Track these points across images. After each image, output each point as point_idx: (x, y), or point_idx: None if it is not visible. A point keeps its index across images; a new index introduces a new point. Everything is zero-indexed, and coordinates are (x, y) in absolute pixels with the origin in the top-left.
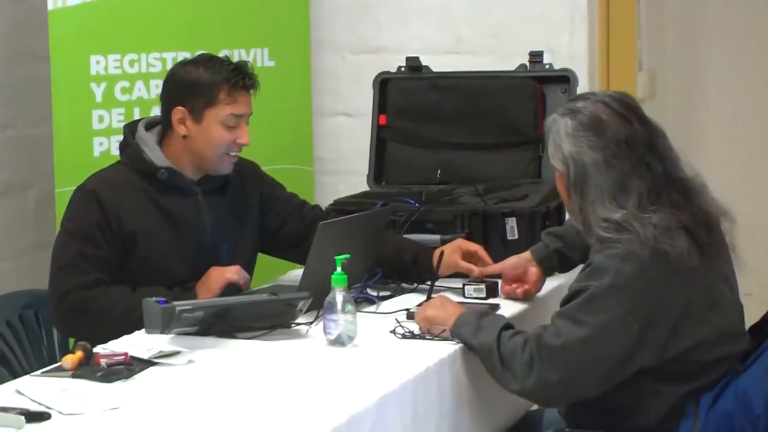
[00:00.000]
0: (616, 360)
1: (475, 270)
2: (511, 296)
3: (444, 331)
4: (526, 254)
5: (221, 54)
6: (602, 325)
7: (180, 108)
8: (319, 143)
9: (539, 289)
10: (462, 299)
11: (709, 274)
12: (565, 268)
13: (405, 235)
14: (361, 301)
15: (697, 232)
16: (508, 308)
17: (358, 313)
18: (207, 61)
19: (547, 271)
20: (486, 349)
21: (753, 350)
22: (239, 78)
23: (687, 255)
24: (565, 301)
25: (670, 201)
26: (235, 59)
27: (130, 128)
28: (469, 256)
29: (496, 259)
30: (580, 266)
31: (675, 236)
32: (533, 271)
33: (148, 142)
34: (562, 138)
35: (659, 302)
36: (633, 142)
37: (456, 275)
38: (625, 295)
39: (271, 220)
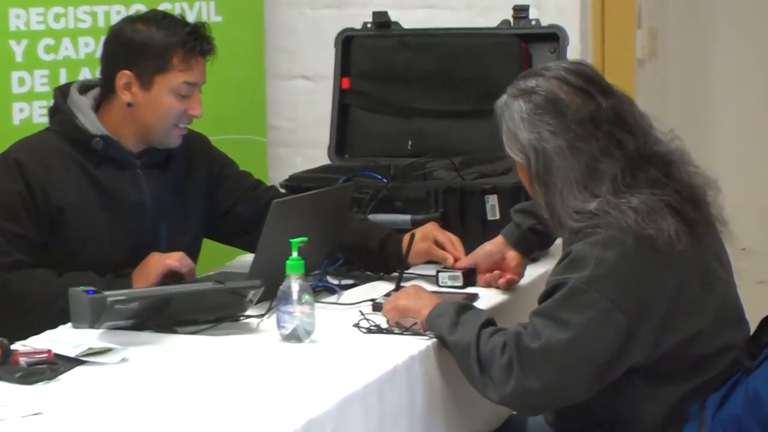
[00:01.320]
0: (604, 360)
1: (450, 258)
2: (491, 286)
3: (416, 324)
4: (498, 239)
5: (161, 8)
6: (586, 322)
7: (126, 72)
8: (273, 110)
9: (522, 275)
10: (436, 288)
11: (701, 253)
12: (545, 245)
13: (371, 215)
14: (320, 290)
15: (683, 210)
16: (488, 298)
17: (317, 304)
18: (160, 20)
19: (526, 252)
20: (463, 348)
21: (764, 345)
22: (196, 42)
23: (675, 237)
24: (543, 297)
25: (648, 179)
26: (177, 13)
27: (62, 91)
28: (441, 247)
29: (475, 242)
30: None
31: (660, 218)
32: (511, 255)
33: (82, 107)
34: (517, 125)
35: (648, 291)
36: (598, 120)
37: (429, 262)
38: (610, 285)
39: (219, 201)
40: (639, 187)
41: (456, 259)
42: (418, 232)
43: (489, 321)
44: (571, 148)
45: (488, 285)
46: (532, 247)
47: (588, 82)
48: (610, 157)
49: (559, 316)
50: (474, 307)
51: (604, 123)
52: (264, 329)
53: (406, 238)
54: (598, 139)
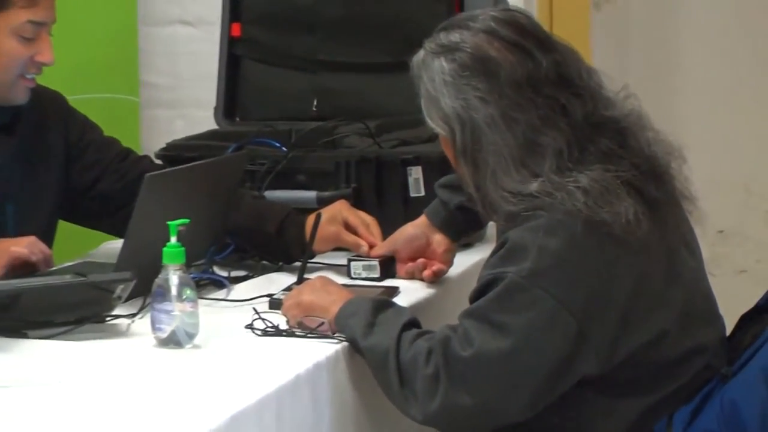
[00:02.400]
0: (550, 370)
1: (364, 244)
2: (414, 278)
3: (322, 324)
4: (422, 220)
5: None
6: (527, 325)
7: None
8: (147, 63)
9: (451, 263)
10: (348, 281)
11: (665, 238)
12: (478, 226)
13: (267, 192)
14: (205, 283)
15: (643, 188)
16: (411, 293)
17: (202, 301)
18: None
19: (455, 236)
20: (380, 355)
21: (744, 347)
22: None
23: (635, 220)
24: (476, 294)
25: (600, 152)
26: None
27: None
28: (353, 231)
29: (396, 224)
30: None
31: (615, 199)
32: (437, 240)
33: None
34: (438, 89)
35: (602, 286)
36: (538, 81)
37: (338, 249)
38: (555, 280)
39: (79, 174)
40: (589, 163)
41: (371, 246)
42: (326, 212)
43: (412, 322)
44: (505, 118)
45: (411, 276)
46: (462, 229)
47: (523, 34)
48: (553, 128)
49: (495, 318)
50: (394, 304)
51: (544, 85)
52: (136, 332)
53: (311, 219)
54: (537, 106)
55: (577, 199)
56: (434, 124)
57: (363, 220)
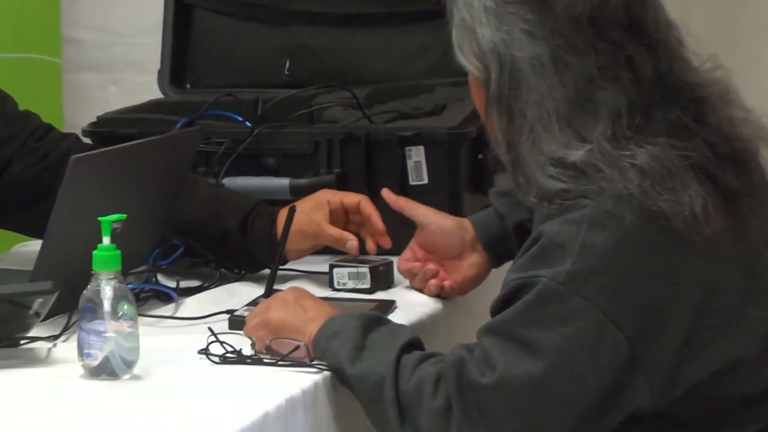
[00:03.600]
0: (591, 403)
1: (351, 239)
2: (413, 282)
3: (297, 348)
4: (466, 225)
5: None
6: (564, 343)
7: None
8: (69, 16)
9: (476, 285)
10: (329, 293)
11: (744, 240)
12: None
13: (227, 180)
14: (147, 296)
15: (718, 174)
16: (412, 308)
17: (143, 320)
18: None
19: (498, 261)
20: (372, 385)
21: None
22: None
23: (702, 214)
24: (500, 304)
25: (669, 123)
26: None
27: None
28: (341, 217)
29: (391, 221)
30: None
31: (679, 184)
32: (474, 260)
33: None
34: (476, 17)
35: (661, 296)
36: (602, 21)
37: (320, 251)
38: (602, 287)
39: None
40: (652, 134)
41: (376, 230)
42: (303, 204)
43: (412, 343)
44: (555, 61)
45: (409, 275)
46: (510, 255)
47: None
48: (614, 83)
49: (524, 334)
50: (388, 321)
51: (610, 28)
52: (58, 359)
53: (283, 214)
54: (598, 52)
55: (629, 179)
56: (465, 61)
57: (360, 195)
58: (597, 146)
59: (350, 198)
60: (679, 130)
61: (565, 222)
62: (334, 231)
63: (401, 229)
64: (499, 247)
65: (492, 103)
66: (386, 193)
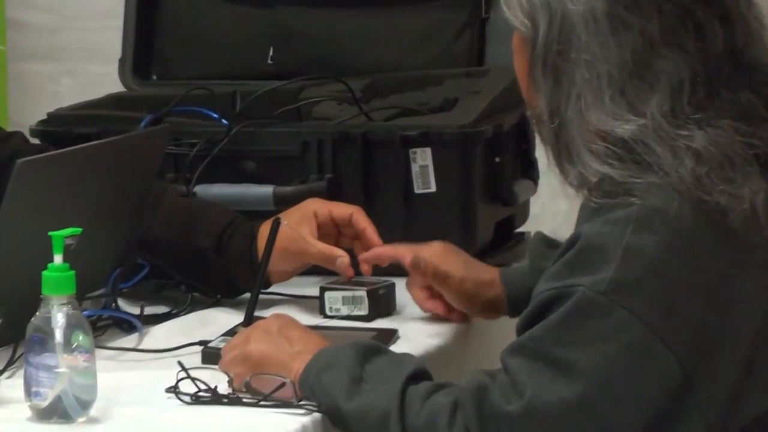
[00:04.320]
0: None
1: (342, 255)
2: (431, 311)
3: (282, 386)
4: (490, 273)
5: None
6: (604, 364)
7: None
8: None
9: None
10: (321, 321)
11: None
12: None
13: (199, 187)
14: (106, 325)
15: None
16: (419, 336)
17: (101, 352)
18: None
19: (515, 313)
20: (376, 421)
21: None
22: None
23: (765, 213)
24: (528, 320)
25: (735, 104)
26: None
27: None
28: (331, 231)
29: (392, 235)
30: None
31: (739, 175)
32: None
33: None
34: None
35: (719, 311)
36: None
37: (309, 271)
38: (651, 298)
39: None
40: (715, 114)
41: (374, 245)
42: (288, 216)
43: (419, 373)
44: (612, 18)
45: (434, 310)
46: None
47: None
48: (678, 50)
49: (557, 353)
50: (388, 351)
51: None
52: (1, 398)
53: (266, 228)
54: (662, 13)
55: (683, 164)
56: (511, 15)
57: (352, 207)
58: (651, 121)
59: (341, 210)
60: (747, 115)
61: (607, 222)
62: (322, 247)
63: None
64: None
65: (536, 64)
66: (385, 253)
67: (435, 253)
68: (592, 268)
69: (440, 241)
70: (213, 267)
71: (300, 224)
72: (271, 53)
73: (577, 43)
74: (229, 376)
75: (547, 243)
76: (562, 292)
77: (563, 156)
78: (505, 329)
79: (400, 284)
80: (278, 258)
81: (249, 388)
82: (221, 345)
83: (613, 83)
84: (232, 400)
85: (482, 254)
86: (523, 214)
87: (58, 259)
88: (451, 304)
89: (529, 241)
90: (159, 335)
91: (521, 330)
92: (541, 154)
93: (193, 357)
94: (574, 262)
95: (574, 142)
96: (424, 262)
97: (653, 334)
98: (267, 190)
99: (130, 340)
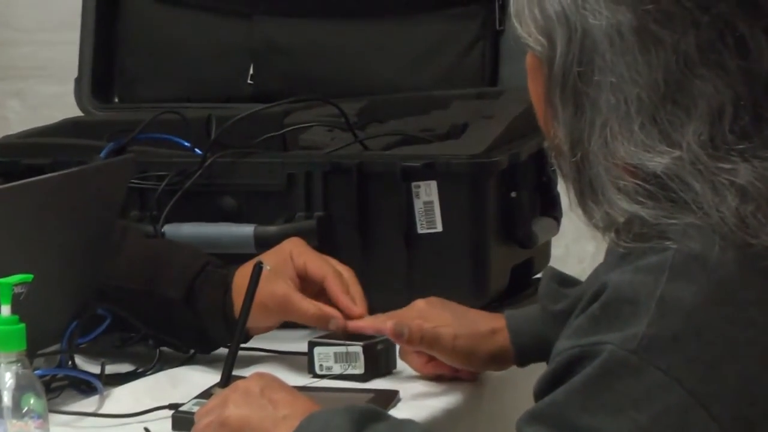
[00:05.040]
0: None
1: (335, 315)
2: (429, 372)
3: None
4: (490, 323)
5: None
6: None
7: None
8: None
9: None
10: (310, 381)
11: None
12: None
13: (168, 227)
14: (62, 385)
15: None
16: (423, 398)
17: (56, 417)
18: None
19: (524, 363)
20: None
21: None
22: None
23: None
24: (548, 384)
25: None
26: None
27: None
28: (315, 288)
29: (392, 285)
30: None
31: None
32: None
33: None
34: None
35: (764, 371)
36: None
37: (295, 323)
38: (688, 358)
39: None
40: (763, 145)
41: (351, 316)
42: (269, 258)
43: None
44: (642, 34)
45: (436, 371)
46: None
47: None
48: (718, 69)
49: (584, 421)
50: (388, 416)
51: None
52: None
53: (244, 273)
54: (699, 27)
55: (726, 202)
56: (524, 32)
57: (331, 266)
58: (687, 153)
59: (315, 266)
60: None
61: (638, 270)
62: (309, 307)
63: (403, 295)
64: (533, 357)
65: (554, 88)
66: (364, 327)
67: (418, 313)
68: (622, 323)
69: (423, 299)
70: (183, 319)
71: (277, 272)
72: (251, 71)
73: (601, 63)
74: None
75: (559, 281)
76: (587, 350)
77: (587, 193)
78: (521, 384)
79: None
80: (257, 313)
81: None
82: (194, 409)
83: (643, 109)
84: None
85: (496, 304)
86: (544, 257)
87: (5, 310)
88: None
89: (541, 279)
90: (123, 397)
91: (540, 394)
92: (564, 189)
93: (162, 423)
94: (600, 316)
95: (598, 177)
96: (408, 329)
97: (692, 397)
98: (247, 230)
99: (89, 404)
